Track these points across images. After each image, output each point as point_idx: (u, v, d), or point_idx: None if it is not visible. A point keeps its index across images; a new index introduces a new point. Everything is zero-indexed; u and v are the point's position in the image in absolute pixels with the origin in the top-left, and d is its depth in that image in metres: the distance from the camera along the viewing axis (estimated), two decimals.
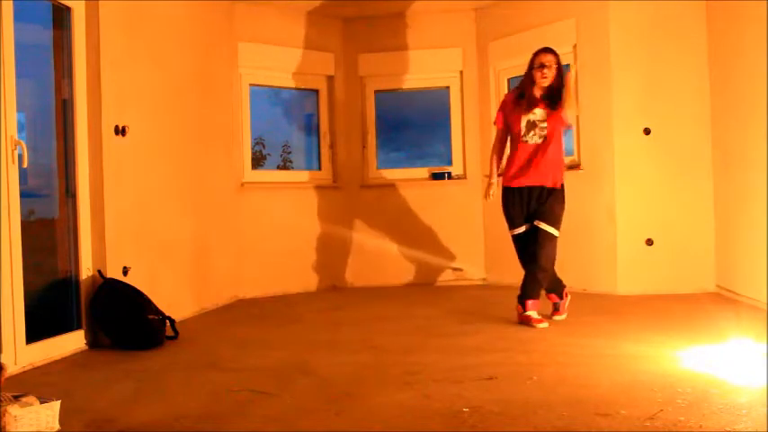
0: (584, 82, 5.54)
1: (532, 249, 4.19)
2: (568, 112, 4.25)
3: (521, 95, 4.30)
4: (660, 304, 4.75)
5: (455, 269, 6.29)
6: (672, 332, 3.77)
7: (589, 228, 5.46)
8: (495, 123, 4.51)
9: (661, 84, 5.26)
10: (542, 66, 4.20)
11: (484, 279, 6.27)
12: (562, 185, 4.26)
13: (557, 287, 4.32)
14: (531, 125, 4.24)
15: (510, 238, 4.36)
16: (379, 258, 6.35)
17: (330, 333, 4.17)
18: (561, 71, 4.24)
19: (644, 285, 5.23)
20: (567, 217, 5.56)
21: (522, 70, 6.15)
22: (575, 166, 5.63)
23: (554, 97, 4.21)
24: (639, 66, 5.28)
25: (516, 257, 4.38)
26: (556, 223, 4.20)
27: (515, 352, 3.44)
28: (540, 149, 4.21)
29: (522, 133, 4.25)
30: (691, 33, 5.24)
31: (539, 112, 4.23)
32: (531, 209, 4.24)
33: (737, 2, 4.67)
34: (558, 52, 4.27)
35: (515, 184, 4.27)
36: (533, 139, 4.23)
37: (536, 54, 4.26)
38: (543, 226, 4.17)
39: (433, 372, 3.07)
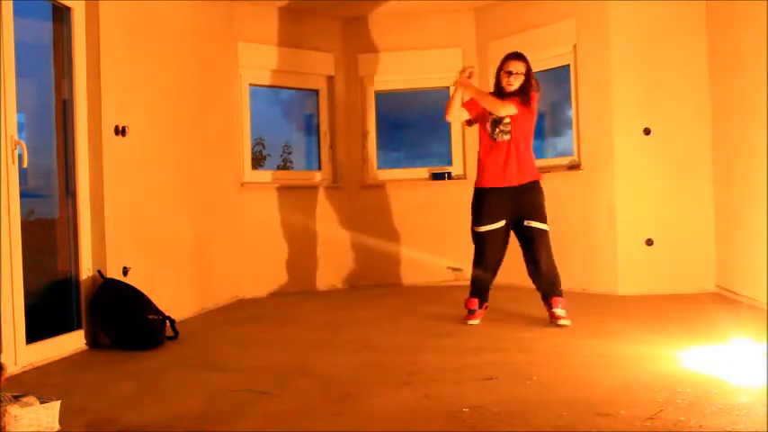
0: (585, 82, 5.55)
1: (530, 251, 4.19)
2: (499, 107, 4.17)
3: (493, 94, 4.30)
4: (660, 304, 4.75)
5: (455, 269, 6.28)
6: (672, 332, 3.77)
7: (589, 228, 5.46)
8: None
9: (661, 84, 5.26)
10: (509, 73, 4.21)
11: None
12: (538, 181, 4.27)
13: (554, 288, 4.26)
14: (496, 123, 4.25)
15: (483, 236, 4.26)
16: (378, 258, 6.35)
17: (330, 333, 4.17)
18: (530, 77, 4.22)
19: (644, 285, 5.23)
20: (567, 217, 5.60)
21: None
22: (575, 166, 5.63)
23: (521, 97, 4.19)
24: (639, 66, 5.28)
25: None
26: (544, 218, 4.21)
27: (515, 352, 3.44)
28: (509, 147, 4.22)
29: (490, 132, 4.27)
30: (691, 33, 5.24)
31: None
32: (510, 208, 4.21)
33: (737, 2, 4.67)
34: (527, 59, 4.25)
35: (490, 184, 4.25)
36: (500, 136, 4.24)
37: (506, 59, 4.26)
38: (534, 224, 4.17)
39: (433, 372, 3.07)
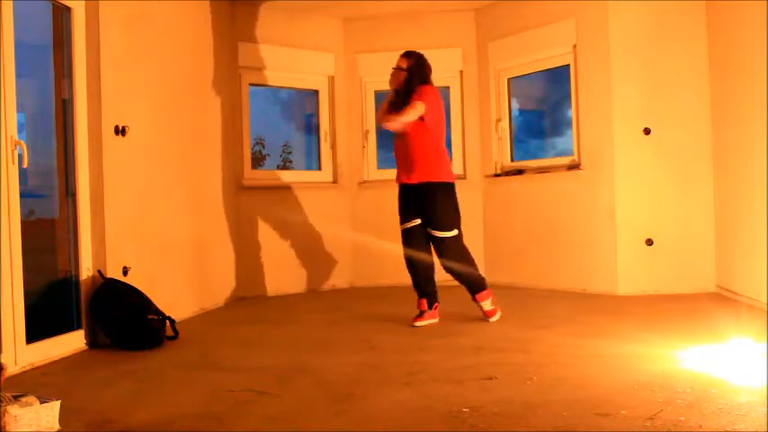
0: (585, 82, 5.55)
1: (438, 257, 4.25)
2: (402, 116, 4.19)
3: (396, 93, 4.34)
4: (660, 304, 4.75)
5: None
6: (672, 332, 3.77)
7: (589, 228, 5.46)
8: None
9: (661, 84, 5.26)
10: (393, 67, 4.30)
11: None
12: (443, 183, 4.22)
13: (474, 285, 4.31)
14: None
15: (402, 234, 4.35)
16: (379, 258, 6.34)
17: (330, 333, 4.17)
18: (413, 75, 4.24)
19: (644, 285, 5.23)
20: (567, 217, 5.60)
21: (522, 70, 6.22)
22: (575, 166, 5.63)
23: (406, 95, 4.23)
24: (639, 66, 5.28)
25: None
26: (441, 224, 4.20)
27: (515, 352, 3.44)
28: (402, 146, 4.28)
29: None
30: (690, 33, 5.24)
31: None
32: (418, 208, 4.25)
33: (737, 2, 4.67)
34: (415, 57, 4.28)
35: (398, 181, 4.37)
36: (396, 134, 4.33)
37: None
38: (433, 232, 4.22)
39: (433, 372, 3.07)
